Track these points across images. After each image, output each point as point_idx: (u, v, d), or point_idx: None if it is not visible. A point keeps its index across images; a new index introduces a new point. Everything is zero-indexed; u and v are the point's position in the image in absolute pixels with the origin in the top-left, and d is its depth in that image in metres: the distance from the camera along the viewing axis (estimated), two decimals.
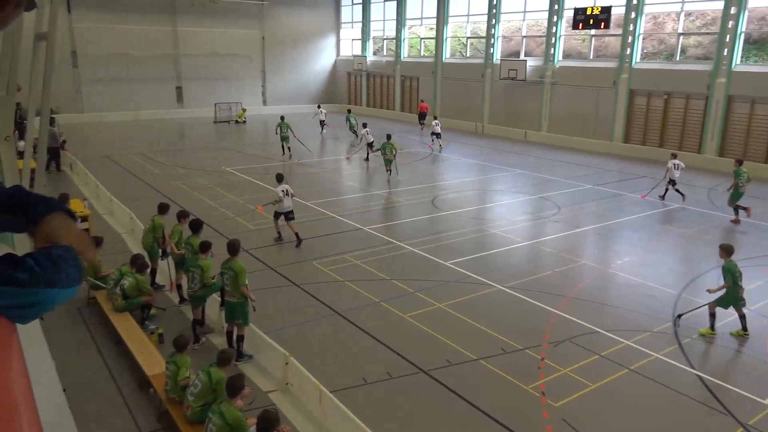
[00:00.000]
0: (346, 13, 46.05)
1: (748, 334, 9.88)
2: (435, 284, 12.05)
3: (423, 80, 39.06)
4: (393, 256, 13.74)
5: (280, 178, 14.62)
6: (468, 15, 36.35)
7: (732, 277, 9.76)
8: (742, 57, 24.27)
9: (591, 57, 30.18)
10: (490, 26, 34.03)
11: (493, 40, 34.01)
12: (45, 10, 4.53)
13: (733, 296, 9.85)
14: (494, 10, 33.62)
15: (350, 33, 45.91)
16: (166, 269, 11.70)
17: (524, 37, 33.36)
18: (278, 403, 7.94)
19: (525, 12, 32.81)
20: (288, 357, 8.24)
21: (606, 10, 27.29)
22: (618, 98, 28.01)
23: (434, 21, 37.89)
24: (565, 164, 25.26)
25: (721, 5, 24.32)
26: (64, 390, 4.53)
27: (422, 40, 40.58)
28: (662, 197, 18.78)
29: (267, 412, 6.14)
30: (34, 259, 1.25)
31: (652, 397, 8.24)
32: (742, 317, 9.91)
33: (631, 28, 27.20)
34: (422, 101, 36.96)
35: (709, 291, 10.18)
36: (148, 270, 11.17)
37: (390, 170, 21.20)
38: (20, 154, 8.77)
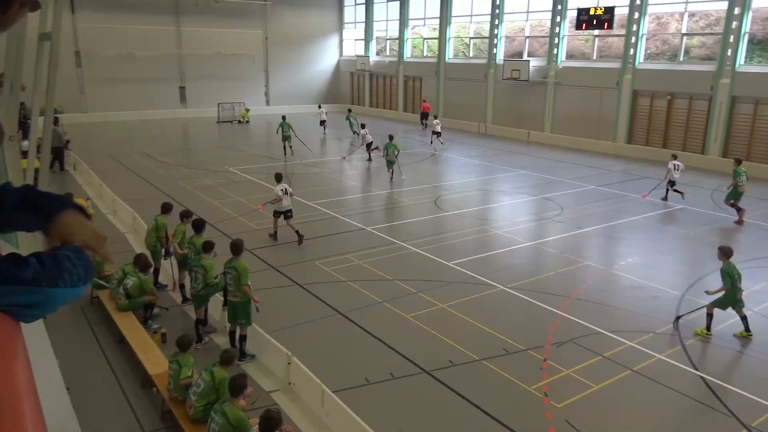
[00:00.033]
0: (349, 13, 46.06)
1: (751, 335, 9.85)
2: (438, 285, 12.04)
3: (426, 80, 39.05)
4: (396, 256, 13.74)
5: (279, 178, 14.68)
6: (471, 15, 36.33)
7: (730, 279, 9.75)
8: (746, 57, 24.21)
9: (594, 57, 30.14)
10: (493, 26, 34.00)
11: (496, 40, 33.98)
12: (49, 11, 4.55)
13: (731, 298, 9.84)
14: (497, 11, 33.59)
15: (353, 33, 45.93)
16: (169, 269, 11.71)
17: (527, 37, 33.33)
18: (281, 402, 7.95)
19: (528, 12, 32.78)
20: (290, 357, 8.24)
21: (609, 11, 27.25)
22: (621, 99, 27.96)
23: (437, 21, 37.88)
24: (568, 165, 25.22)
25: (725, 5, 24.26)
26: (68, 389, 4.54)
27: (425, 41, 40.56)
28: (664, 199, 18.77)
29: (269, 411, 6.15)
30: (37, 258, 1.25)
31: (655, 399, 8.23)
32: (744, 318, 9.89)
33: (635, 28, 27.15)
34: (424, 101, 36.99)
35: (707, 292, 10.18)
36: (151, 269, 11.20)
37: (392, 171, 21.21)
38: (24, 154, 8.80)
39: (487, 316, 10.60)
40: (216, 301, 10.14)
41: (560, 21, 30.42)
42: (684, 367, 9.06)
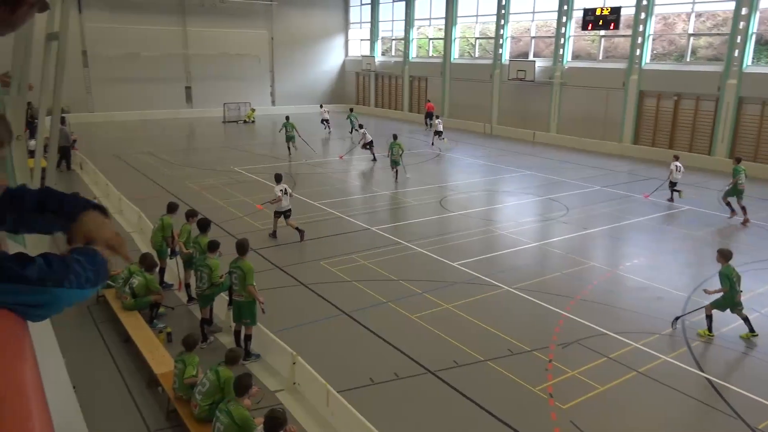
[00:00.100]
0: (354, 14, 46.09)
1: (756, 335, 9.82)
2: (442, 285, 12.03)
3: (431, 81, 39.03)
4: (400, 256, 13.73)
5: (279, 178, 14.75)
6: (477, 15, 36.29)
7: (729, 281, 9.73)
8: (753, 58, 24.08)
9: (600, 58, 30.04)
10: (498, 27, 33.95)
11: (501, 40, 33.93)
12: (56, 11, 4.56)
13: (729, 300, 9.82)
14: (503, 11, 33.53)
15: (359, 33, 45.95)
16: (174, 268, 11.75)
17: (533, 37, 33.25)
18: (285, 402, 7.95)
19: (534, 12, 32.70)
20: (295, 356, 8.25)
21: (616, 11, 27.16)
22: (627, 99, 27.86)
23: (443, 21, 37.85)
24: (573, 165, 25.16)
25: (732, 6, 24.14)
26: (74, 387, 4.56)
27: (431, 41, 40.54)
28: (670, 200, 18.72)
29: (274, 411, 6.15)
30: (45, 258, 1.26)
31: (661, 400, 8.19)
32: (745, 320, 9.87)
33: (641, 28, 27.04)
34: (428, 101, 36.99)
35: (706, 291, 10.19)
36: (157, 269, 11.24)
37: (396, 171, 21.22)
38: (31, 153, 8.84)
39: (492, 316, 10.58)
40: (221, 300, 10.17)
41: (566, 21, 30.34)
42: (689, 368, 9.02)
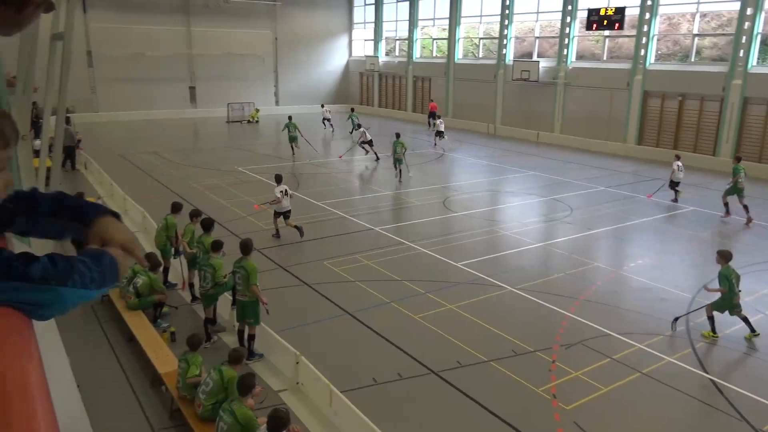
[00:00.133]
0: (358, 14, 46.10)
1: (758, 334, 9.81)
2: (446, 285, 12.03)
3: (435, 81, 39.01)
4: (404, 256, 13.73)
5: (279, 179, 14.80)
6: (481, 15, 36.25)
7: (728, 283, 9.72)
8: (758, 58, 24.00)
9: (605, 58, 29.98)
10: (502, 27, 33.90)
11: (505, 40, 33.88)
12: (61, 11, 4.58)
13: (728, 302, 9.81)
14: (507, 11, 33.49)
15: (363, 33, 45.96)
16: (178, 268, 11.77)
17: (537, 37, 33.21)
18: (289, 402, 7.97)
19: (538, 13, 32.66)
20: (299, 356, 8.26)
21: (620, 11, 27.09)
22: (632, 100, 27.79)
23: (447, 22, 37.82)
24: (577, 166, 25.11)
25: (737, 6, 24.06)
26: (78, 386, 4.58)
27: (434, 41, 40.51)
28: (674, 201, 18.67)
29: (277, 411, 6.16)
30: (49, 257, 1.26)
31: (665, 401, 8.17)
32: (745, 320, 9.85)
33: (646, 29, 26.98)
34: (432, 101, 36.97)
35: (706, 288, 10.22)
36: (161, 268, 11.27)
37: (399, 170, 21.22)
38: (36, 153, 8.88)
39: (496, 317, 10.57)
40: (225, 300, 10.18)
41: (570, 21, 30.29)
42: (693, 369, 9.00)
